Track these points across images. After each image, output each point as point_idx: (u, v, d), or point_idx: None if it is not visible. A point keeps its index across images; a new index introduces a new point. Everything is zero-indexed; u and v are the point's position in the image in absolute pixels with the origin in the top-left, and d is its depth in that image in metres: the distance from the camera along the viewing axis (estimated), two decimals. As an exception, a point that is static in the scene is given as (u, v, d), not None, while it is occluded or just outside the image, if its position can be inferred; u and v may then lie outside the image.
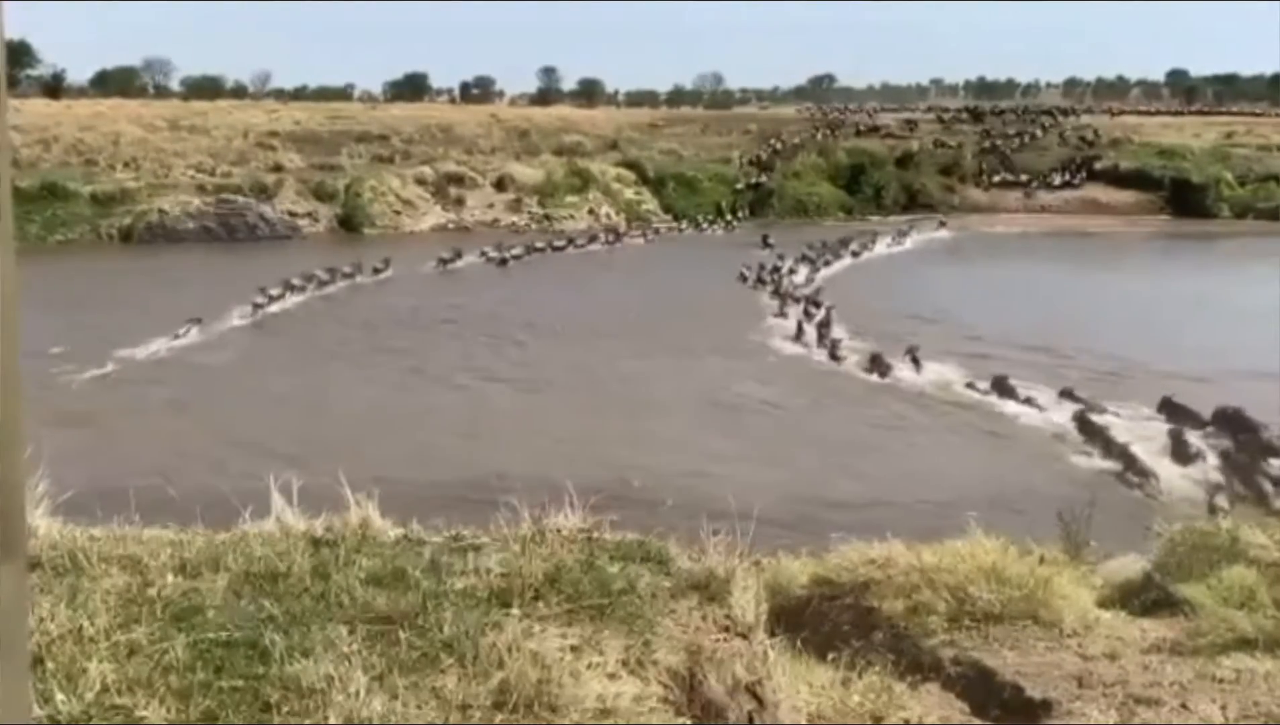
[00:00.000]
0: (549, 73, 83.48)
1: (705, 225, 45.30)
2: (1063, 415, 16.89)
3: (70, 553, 3.39)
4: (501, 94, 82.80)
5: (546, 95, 77.66)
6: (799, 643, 4.23)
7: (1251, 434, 15.16)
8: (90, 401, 17.53)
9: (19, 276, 1.24)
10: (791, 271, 32.10)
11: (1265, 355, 19.18)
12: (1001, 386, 18.09)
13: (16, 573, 1.23)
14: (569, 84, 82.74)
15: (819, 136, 54.94)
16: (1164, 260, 38.99)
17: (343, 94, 76.58)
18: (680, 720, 2.82)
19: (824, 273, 33.06)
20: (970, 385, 18.73)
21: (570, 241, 39.42)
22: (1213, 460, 14.75)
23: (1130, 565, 5.47)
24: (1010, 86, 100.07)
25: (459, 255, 34.43)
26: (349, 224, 42.46)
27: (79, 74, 70.87)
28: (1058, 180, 51.34)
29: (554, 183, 46.96)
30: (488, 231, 42.00)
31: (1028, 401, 17.58)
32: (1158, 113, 66.87)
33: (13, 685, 1.23)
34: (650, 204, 47.61)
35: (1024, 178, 51.66)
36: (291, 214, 42.17)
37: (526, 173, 47.35)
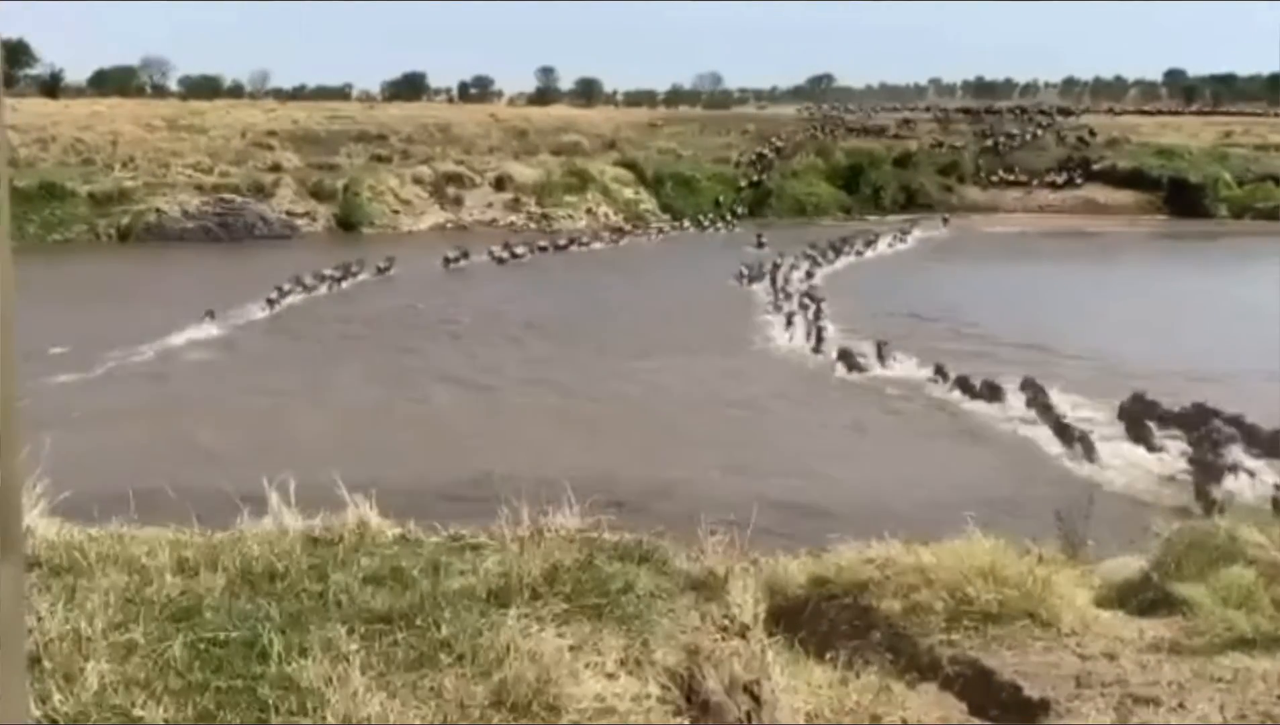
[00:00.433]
0: (547, 72, 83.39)
1: (708, 225, 45.37)
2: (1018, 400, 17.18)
3: (68, 552, 3.39)
4: (500, 94, 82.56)
5: (545, 95, 77.47)
6: (797, 642, 4.23)
7: (1212, 424, 15.01)
8: (88, 401, 17.49)
9: (16, 276, 1.24)
10: (793, 267, 32.30)
11: (1265, 355, 19.18)
12: (992, 390, 18.05)
13: (14, 572, 1.23)
14: (567, 84, 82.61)
15: (818, 136, 54.99)
16: (1162, 259, 39.00)
17: (341, 93, 76.26)
18: (678, 720, 2.82)
19: (825, 270, 33.20)
20: (964, 384, 18.65)
21: (573, 241, 39.49)
22: (1177, 448, 14.79)
23: (1128, 565, 5.47)
24: (1009, 86, 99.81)
25: (466, 255, 34.46)
26: (347, 224, 42.50)
27: (77, 73, 70.58)
28: (1056, 180, 51.38)
29: (552, 182, 46.98)
30: (486, 231, 42.00)
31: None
32: (1156, 112, 66.78)
33: (11, 685, 1.23)
34: (648, 204, 47.62)
35: (1023, 177, 51.67)
36: (289, 213, 42.20)
37: (525, 172, 47.35)
